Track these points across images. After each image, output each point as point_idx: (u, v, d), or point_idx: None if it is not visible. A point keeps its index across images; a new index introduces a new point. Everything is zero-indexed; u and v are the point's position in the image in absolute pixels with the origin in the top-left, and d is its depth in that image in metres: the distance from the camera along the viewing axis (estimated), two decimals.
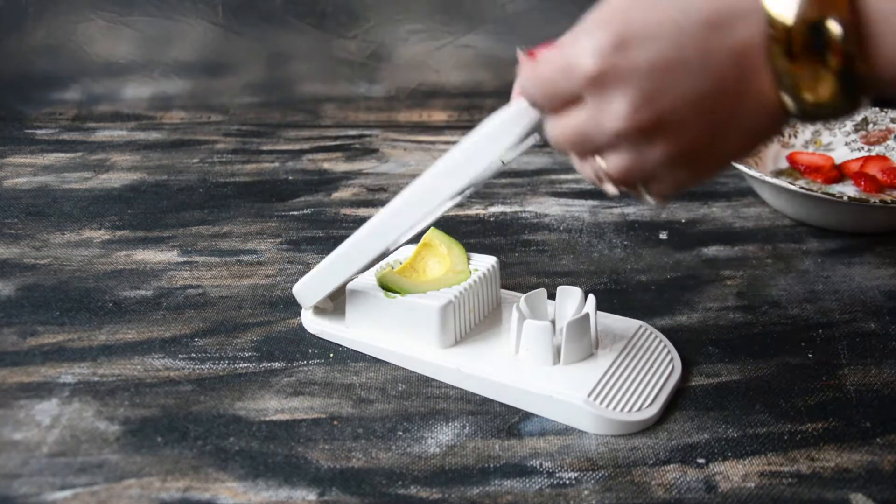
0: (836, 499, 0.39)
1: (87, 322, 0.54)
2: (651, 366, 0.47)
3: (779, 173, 0.76)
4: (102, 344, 0.51)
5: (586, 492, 0.40)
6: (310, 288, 0.51)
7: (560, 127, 0.33)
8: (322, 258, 0.51)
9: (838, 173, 0.75)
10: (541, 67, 0.32)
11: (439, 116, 0.98)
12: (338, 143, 0.89)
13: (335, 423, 0.45)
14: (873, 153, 0.78)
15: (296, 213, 0.71)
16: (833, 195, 0.62)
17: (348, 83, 0.99)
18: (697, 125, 0.30)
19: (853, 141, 0.80)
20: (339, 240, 0.66)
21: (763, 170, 0.73)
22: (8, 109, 0.97)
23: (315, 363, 0.50)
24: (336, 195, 0.75)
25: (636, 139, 0.31)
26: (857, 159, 0.76)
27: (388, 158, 0.84)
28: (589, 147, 0.32)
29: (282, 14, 0.96)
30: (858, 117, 0.80)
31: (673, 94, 0.29)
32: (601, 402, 0.43)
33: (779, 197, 0.68)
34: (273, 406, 0.46)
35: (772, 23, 0.28)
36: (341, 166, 0.82)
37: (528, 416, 0.45)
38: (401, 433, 0.44)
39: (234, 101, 0.99)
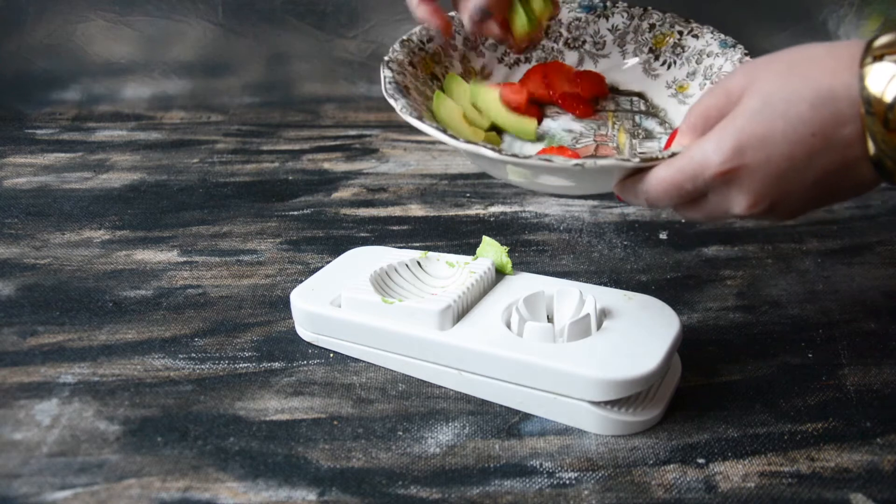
0: (836, 499, 0.39)
1: (87, 322, 0.54)
2: None
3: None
4: (102, 344, 0.51)
5: (586, 492, 0.40)
6: None
7: (688, 213, 0.41)
8: (322, 258, 0.50)
9: (537, 109, 0.53)
10: (668, 177, 0.39)
11: None
12: (338, 143, 0.89)
13: (335, 423, 0.45)
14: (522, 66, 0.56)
15: (296, 213, 0.71)
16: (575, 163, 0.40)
17: (348, 83, 0.99)
18: (803, 205, 0.38)
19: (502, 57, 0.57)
20: (339, 240, 0.66)
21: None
22: (8, 109, 0.97)
23: (315, 363, 0.50)
24: (336, 195, 0.75)
25: (755, 216, 0.39)
26: (529, 76, 0.54)
27: (388, 158, 0.84)
28: (711, 219, 0.41)
29: (282, 14, 0.96)
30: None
31: (784, 188, 0.37)
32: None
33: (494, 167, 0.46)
34: (273, 406, 0.46)
35: (872, 101, 0.34)
36: (341, 166, 0.82)
37: (528, 416, 0.45)
38: (401, 433, 0.44)
39: (234, 101, 0.99)
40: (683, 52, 0.53)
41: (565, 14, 0.55)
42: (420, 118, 0.44)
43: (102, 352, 0.51)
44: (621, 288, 0.51)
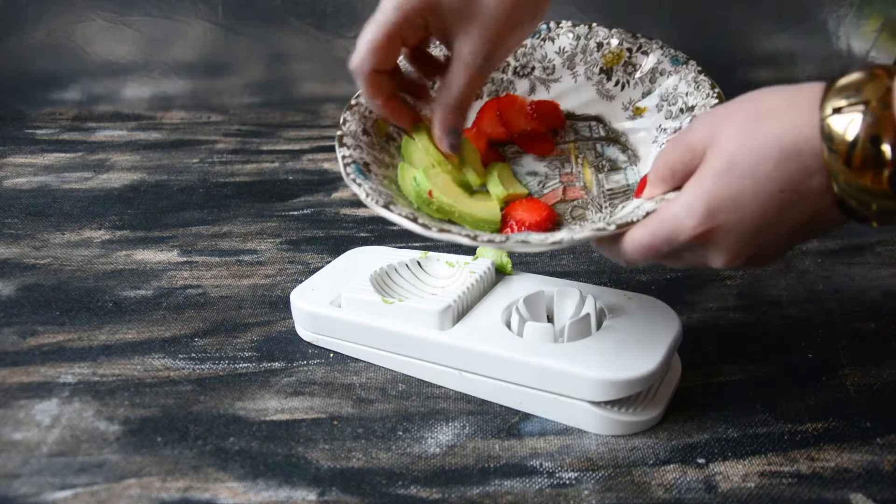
0: (836, 499, 0.39)
1: (87, 322, 0.54)
2: None
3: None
4: (102, 344, 0.51)
5: (586, 492, 0.40)
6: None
7: (668, 265, 0.41)
8: (322, 258, 0.50)
9: (496, 152, 0.51)
10: (643, 241, 0.38)
11: None
12: None
13: (335, 423, 0.45)
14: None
15: (296, 213, 0.71)
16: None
17: (348, 83, 0.99)
18: (781, 251, 0.39)
19: None
20: (339, 240, 0.67)
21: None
22: (8, 109, 0.97)
23: (315, 363, 0.50)
24: (336, 195, 0.75)
25: (733, 268, 0.40)
26: (483, 115, 0.51)
27: None
28: (691, 268, 0.41)
29: (282, 14, 0.96)
30: None
31: (759, 243, 0.37)
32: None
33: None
34: (273, 406, 0.46)
35: (835, 139, 0.33)
36: None
37: (528, 416, 0.45)
38: (401, 433, 0.44)
39: (234, 101, 0.99)
40: (635, 70, 0.51)
41: None
42: (388, 206, 0.41)
43: (102, 352, 0.51)
44: (621, 288, 0.51)
